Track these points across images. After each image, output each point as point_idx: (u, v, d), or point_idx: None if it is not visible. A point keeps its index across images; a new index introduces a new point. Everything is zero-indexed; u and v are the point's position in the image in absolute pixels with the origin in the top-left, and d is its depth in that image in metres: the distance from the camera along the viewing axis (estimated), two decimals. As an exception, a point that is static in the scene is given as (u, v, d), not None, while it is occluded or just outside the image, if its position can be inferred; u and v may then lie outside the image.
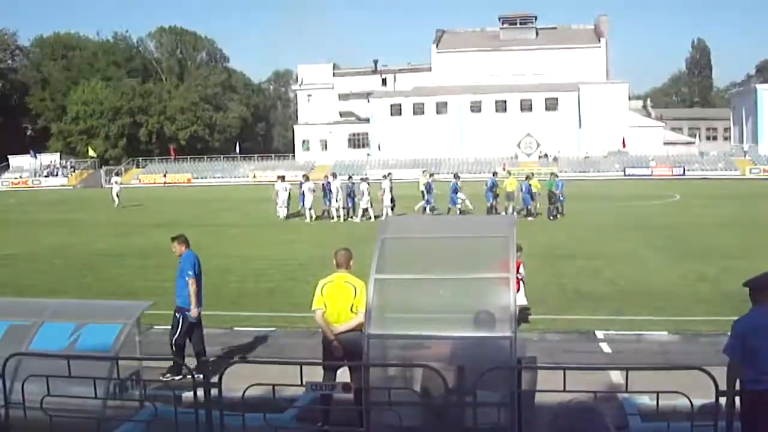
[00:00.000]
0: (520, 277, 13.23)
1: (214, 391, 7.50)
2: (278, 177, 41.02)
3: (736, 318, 7.62)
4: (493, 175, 38.59)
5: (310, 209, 36.16)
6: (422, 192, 38.10)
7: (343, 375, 9.16)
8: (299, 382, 7.42)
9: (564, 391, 6.62)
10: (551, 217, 34.59)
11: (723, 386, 7.07)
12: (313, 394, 8.80)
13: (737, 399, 7.19)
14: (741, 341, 7.16)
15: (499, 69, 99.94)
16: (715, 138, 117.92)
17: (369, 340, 7.80)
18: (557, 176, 38.70)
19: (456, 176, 38.52)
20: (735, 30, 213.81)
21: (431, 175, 43.46)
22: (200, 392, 7.60)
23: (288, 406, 9.34)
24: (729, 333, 7.44)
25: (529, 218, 34.52)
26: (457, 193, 36.67)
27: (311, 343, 12.08)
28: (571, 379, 6.90)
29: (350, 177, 40.08)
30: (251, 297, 18.08)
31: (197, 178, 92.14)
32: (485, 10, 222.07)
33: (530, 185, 35.76)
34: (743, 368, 7.16)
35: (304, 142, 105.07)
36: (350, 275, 9.61)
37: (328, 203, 37.03)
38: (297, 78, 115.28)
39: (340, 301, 9.41)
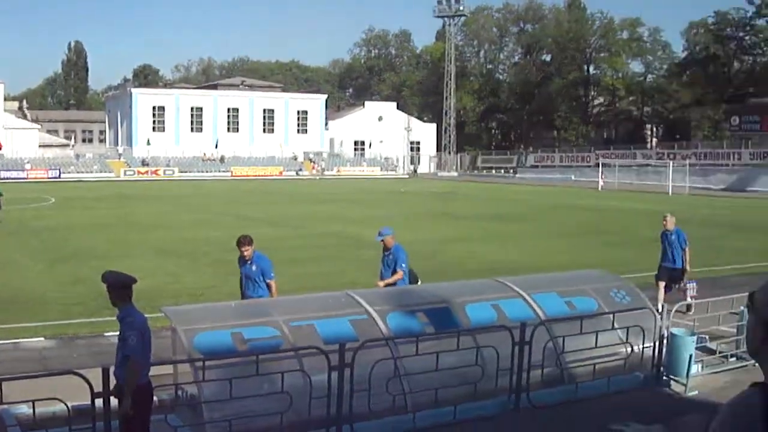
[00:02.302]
0: None
1: None
2: None
3: (112, 316, 8.00)
4: None
5: None
6: None
7: None
8: None
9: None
10: None
11: (98, 388, 7.39)
12: None
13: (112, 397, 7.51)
14: (140, 340, 7.43)
15: None
16: (91, 140, 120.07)
17: None
18: None
19: None
20: (112, 35, 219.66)
21: None
22: None
23: None
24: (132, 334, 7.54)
25: None
26: None
27: None
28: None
29: None
30: None
31: None
32: None
33: None
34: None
35: None
36: None
37: None
38: None
39: None
